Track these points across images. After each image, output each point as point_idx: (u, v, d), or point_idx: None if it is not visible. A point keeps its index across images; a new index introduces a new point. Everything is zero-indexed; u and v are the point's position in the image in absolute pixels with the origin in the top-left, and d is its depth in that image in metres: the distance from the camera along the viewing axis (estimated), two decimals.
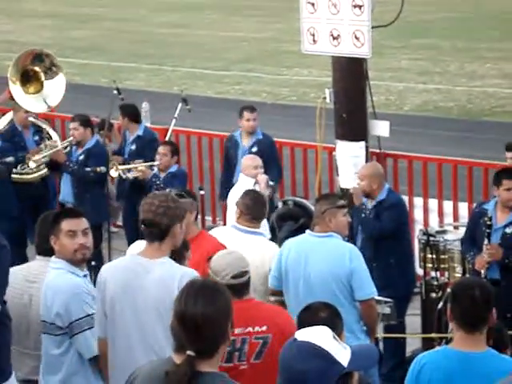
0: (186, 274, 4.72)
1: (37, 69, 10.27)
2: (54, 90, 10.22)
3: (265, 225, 7.72)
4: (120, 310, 4.87)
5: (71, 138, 9.87)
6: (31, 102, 10.15)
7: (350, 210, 6.89)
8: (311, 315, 4.10)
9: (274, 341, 5.00)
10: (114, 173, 9.89)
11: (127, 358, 4.82)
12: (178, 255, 5.16)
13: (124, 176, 9.88)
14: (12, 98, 11.48)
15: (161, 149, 9.65)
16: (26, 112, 10.14)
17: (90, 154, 9.73)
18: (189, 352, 3.32)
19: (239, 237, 6.63)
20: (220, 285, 3.56)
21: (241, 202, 6.79)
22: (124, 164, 10.23)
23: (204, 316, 3.34)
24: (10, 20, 28.88)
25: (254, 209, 6.72)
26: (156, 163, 9.67)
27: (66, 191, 9.89)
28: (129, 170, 9.93)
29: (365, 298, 6.21)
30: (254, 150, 9.97)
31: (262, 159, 9.64)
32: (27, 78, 10.23)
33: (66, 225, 5.22)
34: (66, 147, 9.89)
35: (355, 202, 8.10)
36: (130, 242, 7.54)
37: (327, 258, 6.20)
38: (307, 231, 6.49)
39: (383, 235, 7.88)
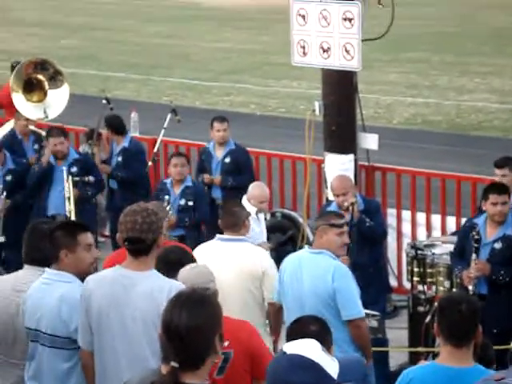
0: (174, 286, 4.71)
1: (41, 77, 10.27)
2: (57, 100, 10.23)
3: (258, 222, 7.82)
4: (107, 322, 4.85)
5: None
6: (30, 110, 10.15)
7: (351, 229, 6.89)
8: (301, 328, 4.09)
9: (235, 356, 4.97)
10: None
11: (114, 371, 4.81)
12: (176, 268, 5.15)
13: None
14: (4, 106, 11.47)
15: (174, 160, 9.38)
16: (27, 120, 10.15)
17: (81, 166, 9.60)
18: (173, 363, 3.31)
19: (224, 247, 6.70)
20: (209, 297, 3.53)
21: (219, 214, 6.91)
22: (112, 174, 10.20)
23: (187, 327, 3.33)
24: (1, 28, 28.84)
25: (224, 218, 6.81)
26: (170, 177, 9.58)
27: (57, 203, 9.56)
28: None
29: (350, 317, 6.09)
30: (227, 160, 9.99)
31: (235, 169, 9.68)
32: (31, 87, 10.23)
33: (84, 238, 5.18)
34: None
35: (355, 216, 8.18)
36: None
37: (313, 275, 6.18)
38: (305, 246, 6.50)
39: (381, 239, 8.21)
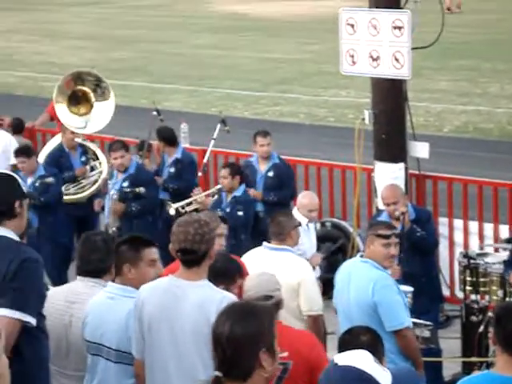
0: (225, 297, 4.71)
1: (86, 89, 10.35)
2: (102, 114, 10.30)
3: (308, 232, 7.82)
4: (157, 332, 4.85)
5: (118, 163, 9.63)
6: (73, 121, 10.25)
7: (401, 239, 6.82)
8: (352, 339, 4.07)
9: (294, 367, 4.97)
10: (172, 211, 9.74)
11: (163, 381, 4.81)
12: (228, 280, 5.17)
13: (183, 211, 9.58)
14: (53, 119, 11.60)
15: (222, 172, 9.54)
16: (73, 133, 10.23)
17: (136, 179, 9.65)
18: (216, 372, 3.31)
19: (267, 255, 6.77)
20: (259, 309, 3.46)
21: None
22: (164, 186, 10.26)
23: (228, 338, 3.32)
24: (51, 41, 29.20)
25: (270, 227, 6.88)
26: (216, 188, 9.60)
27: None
28: (186, 205, 9.79)
29: (393, 328, 6.03)
30: (270, 174, 9.97)
31: (277, 183, 9.73)
32: (77, 100, 10.32)
33: (148, 254, 5.19)
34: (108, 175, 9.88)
35: (406, 226, 8.12)
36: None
37: (357, 285, 6.18)
38: (358, 254, 6.49)
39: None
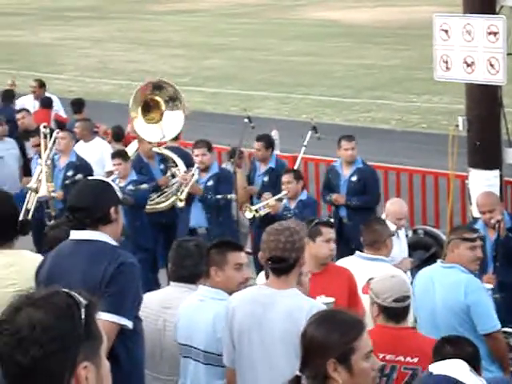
0: (314, 307, 4.68)
1: (158, 98, 10.45)
2: (173, 121, 10.38)
3: (398, 240, 7.72)
4: (247, 341, 4.87)
5: (197, 165, 9.89)
6: (149, 132, 10.32)
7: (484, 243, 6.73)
8: (451, 349, 4.01)
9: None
10: (248, 214, 9.84)
11: None
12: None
13: (257, 215, 9.72)
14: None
15: (284, 178, 9.63)
16: (150, 143, 10.32)
17: (219, 179, 9.80)
18: (297, 372, 3.31)
19: (362, 265, 6.64)
20: (342, 320, 3.40)
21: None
22: (259, 194, 10.31)
23: (303, 336, 3.35)
24: (145, 49, 29.66)
25: (365, 234, 6.79)
26: (283, 193, 9.65)
27: (197, 216, 9.90)
28: (261, 208, 9.88)
29: (487, 331, 5.98)
30: (354, 179, 9.90)
31: (361, 188, 9.67)
32: (148, 108, 10.43)
33: (233, 257, 5.25)
34: (192, 174, 9.99)
35: (502, 234, 7.97)
36: (258, 270, 7.62)
37: (445, 290, 6.11)
38: (438, 261, 6.40)
39: None
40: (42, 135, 10.37)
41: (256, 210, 9.78)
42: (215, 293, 5.21)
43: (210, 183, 9.79)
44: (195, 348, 5.19)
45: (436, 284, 6.15)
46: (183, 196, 9.77)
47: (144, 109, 10.40)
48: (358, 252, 6.84)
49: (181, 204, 9.79)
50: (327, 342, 3.29)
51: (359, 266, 6.63)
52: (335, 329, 3.33)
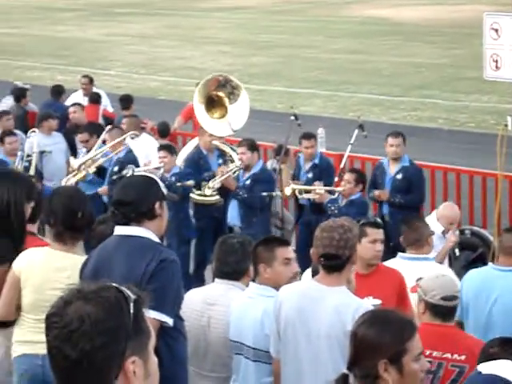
0: (362, 306, 4.66)
1: (221, 94, 10.54)
2: (238, 113, 10.48)
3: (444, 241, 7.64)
4: (293, 333, 4.87)
5: (239, 163, 9.95)
6: (216, 126, 10.44)
7: None
8: (502, 350, 3.95)
9: (469, 372, 4.87)
10: (288, 190, 9.91)
11: (296, 381, 4.83)
12: None
13: (300, 196, 9.90)
14: (186, 122, 11.81)
15: (346, 176, 9.60)
16: (210, 136, 10.41)
17: (257, 180, 9.81)
18: (344, 370, 3.29)
19: (407, 266, 6.55)
20: (394, 320, 3.38)
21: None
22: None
23: (353, 336, 3.33)
24: (192, 46, 29.76)
25: (407, 233, 6.75)
26: (339, 189, 9.62)
27: (233, 214, 9.92)
28: (304, 192, 9.95)
29: None
30: (399, 176, 9.80)
31: (406, 186, 9.59)
32: (212, 104, 10.53)
33: (281, 253, 5.25)
34: (234, 172, 10.00)
35: None
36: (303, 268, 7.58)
37: (506, 294, 6.01)
38: (490, 263, 6.32)
39: None
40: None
41: (300, 192, 9.82)
42: (264, 289, 5.22)
43: (248, 182, 9.81)
44: (245, 345, 5.22)
45: (493, 288, 6.05)
46: (212, 184, 9.84)
47: (208, 105, 10.51)
48: (400, 253, 6.76)
49: (208, 191, 9.86)
50: (379, 343, 3.27)
51: (404, 267, 6.54)
52: (388, 329, 3.30)
